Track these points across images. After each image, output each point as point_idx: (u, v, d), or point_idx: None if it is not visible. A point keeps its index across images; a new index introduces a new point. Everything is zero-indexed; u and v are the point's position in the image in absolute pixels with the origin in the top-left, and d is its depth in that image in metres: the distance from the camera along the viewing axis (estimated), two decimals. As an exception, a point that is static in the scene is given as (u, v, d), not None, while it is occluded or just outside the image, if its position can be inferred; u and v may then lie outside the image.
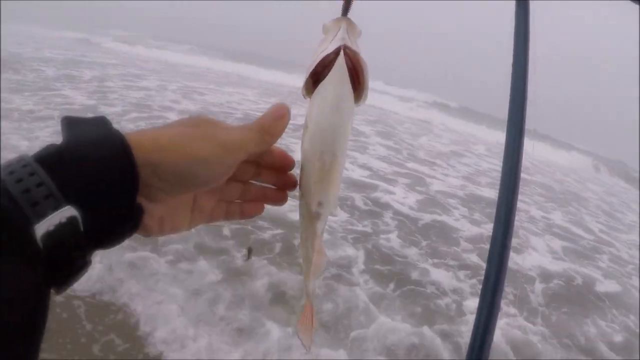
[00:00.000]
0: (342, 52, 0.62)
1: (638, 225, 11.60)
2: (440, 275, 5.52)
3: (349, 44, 0.63)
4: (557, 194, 12.87)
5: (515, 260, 6.60)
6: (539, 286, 5.99)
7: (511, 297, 5.31)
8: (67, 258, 0.46)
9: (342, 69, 0.62)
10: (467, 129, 21.87)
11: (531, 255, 7.05)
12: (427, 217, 7.40)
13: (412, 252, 5.95)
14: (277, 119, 0.64)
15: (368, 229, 6.38)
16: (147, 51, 26.98)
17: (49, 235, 0.44)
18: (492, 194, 9.91)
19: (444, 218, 7.64)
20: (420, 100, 28.41)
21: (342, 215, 6.57)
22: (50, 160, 0.47)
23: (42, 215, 0.43)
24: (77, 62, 17.70)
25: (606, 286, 6.58)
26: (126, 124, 9.00)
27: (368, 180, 8.78)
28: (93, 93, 11.91)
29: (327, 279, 4.77)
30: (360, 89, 0.66)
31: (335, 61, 0.62)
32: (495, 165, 13.85)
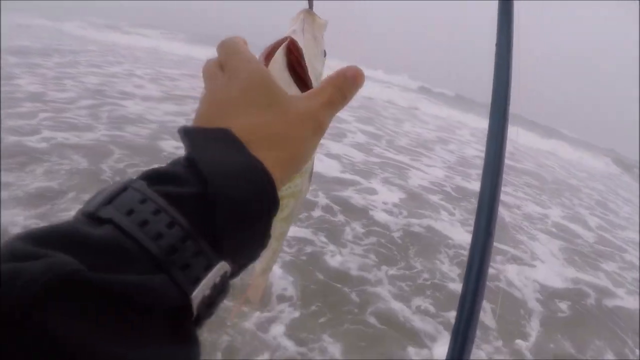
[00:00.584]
0: (283, 45, 0.61)
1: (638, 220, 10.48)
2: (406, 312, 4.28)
3: (299, 37, 0.62)
4: (548, 183, 11.67)
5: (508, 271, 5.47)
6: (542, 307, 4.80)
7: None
8: (212, 311, 0.41)
9: (278, 61, 0.60)
10: (460, 116, 20.41)
11: (534, 266, 5.85)
12: (405, 223, 6.14)
13: (374, 276, 4.70)
14: (354, 81, 0.56)
15: (323, 245, 5.13)
16: (129, 38, 25.39)
17: (204, 301, 0.39)
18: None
19: (425, 222, 6.38)
20: (411, 88, 27.16)
21: (298, 223, 5.32)
22: (194, 203, 0.40)
23: (195, 282, 0.37)
24: (51, 49, 16.31)
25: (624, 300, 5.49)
26: (77, 110, 7.98)
27: (340, 174, 7.48)
28: (49, 79, 10.52)
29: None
30: (306, 82, 0.62)
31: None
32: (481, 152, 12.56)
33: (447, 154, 11.64)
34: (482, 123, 17.61)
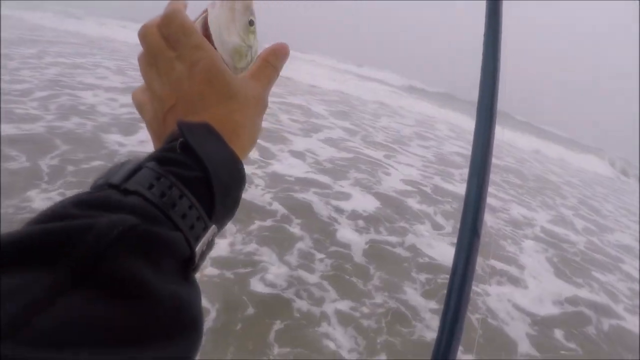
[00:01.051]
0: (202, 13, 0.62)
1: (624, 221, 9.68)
2: None
3: (216, 7, 0.62)
4: (528, 180, 10.85)
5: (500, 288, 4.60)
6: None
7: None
8: (203, 261, 0.51)
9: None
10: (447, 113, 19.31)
11: (521, 284, 4.97)
12: (372, 239, 5.17)
13: (320, 312, 3.74)
14: (285, 56, 0.66)
15: (262, 264, 4.21)
16: (117, 31, 24.05)
17: (202, 254, 0.49)
18: (460, 187, 7.80)
19: (390, 239, 5.45)
20: (395, 85, 26.10)
21: (229, 240, 4.38)
22: (195, 184, 0.49)
23: (197, 238, 0.47)
24: (26, 40, 15.26)
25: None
26: (30, 102, 7.31)
27: (304, 175, 6.51)
28: (9, 70, 9.53)
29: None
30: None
31: None
32: (464, 149, 11.73)
33: (424, 151, 10.71)
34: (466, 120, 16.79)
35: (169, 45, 0.57)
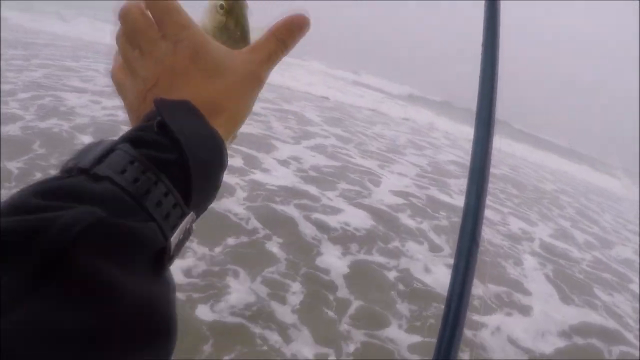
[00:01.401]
0: None
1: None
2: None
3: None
4: (526, 190, 10.34)
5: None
6: None
7: None
8: (180, 251, 0.47)
9: None
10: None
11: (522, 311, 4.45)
12: (356, 260, 4.61)
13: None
14: (300, 30, 0.58)
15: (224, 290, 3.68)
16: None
17: (178, 243, 0.44)
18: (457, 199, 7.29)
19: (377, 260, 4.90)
20: (392, 92, 25.49)
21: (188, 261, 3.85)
22: (172, 167, 0.45)
23: (173, 227, 0.43)
24: (20, 43, 14.77)
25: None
26: (13, 103, 7.01)
27: (290, 184, 5.94)
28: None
29: None
30: None
31: None
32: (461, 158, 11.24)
33: (419, 159, 10.19)
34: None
35: (153, 26, 0.54)
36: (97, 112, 7.43)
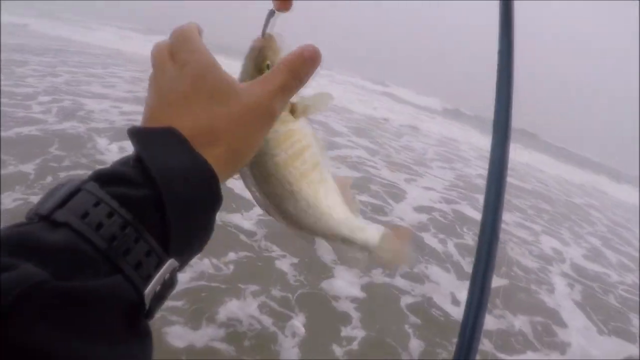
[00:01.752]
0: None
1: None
2: None
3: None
4: (555, 205, 9.80)
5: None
6: None
7: None
8: (162, 303, 0.42)
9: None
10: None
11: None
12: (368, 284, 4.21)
13: None
14: (313, 62, 0.53)
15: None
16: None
17: (155, 295, 0.39)
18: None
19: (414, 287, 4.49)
20: (422, 105, 24.88)
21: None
22: (146, 206, 0.40)
23: (147, 278, 0.38)
24: (44, 49, 14.76)
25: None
26: (36, 106, 6.99)
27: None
28: (10, 76, 9.09)
29: None
30: None
31: None
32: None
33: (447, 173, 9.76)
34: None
35: (172, 57, 0.52)
36: (117, 116, 7.30)
